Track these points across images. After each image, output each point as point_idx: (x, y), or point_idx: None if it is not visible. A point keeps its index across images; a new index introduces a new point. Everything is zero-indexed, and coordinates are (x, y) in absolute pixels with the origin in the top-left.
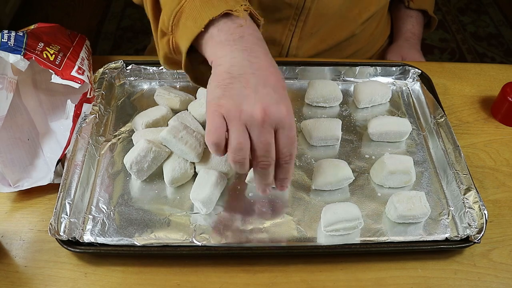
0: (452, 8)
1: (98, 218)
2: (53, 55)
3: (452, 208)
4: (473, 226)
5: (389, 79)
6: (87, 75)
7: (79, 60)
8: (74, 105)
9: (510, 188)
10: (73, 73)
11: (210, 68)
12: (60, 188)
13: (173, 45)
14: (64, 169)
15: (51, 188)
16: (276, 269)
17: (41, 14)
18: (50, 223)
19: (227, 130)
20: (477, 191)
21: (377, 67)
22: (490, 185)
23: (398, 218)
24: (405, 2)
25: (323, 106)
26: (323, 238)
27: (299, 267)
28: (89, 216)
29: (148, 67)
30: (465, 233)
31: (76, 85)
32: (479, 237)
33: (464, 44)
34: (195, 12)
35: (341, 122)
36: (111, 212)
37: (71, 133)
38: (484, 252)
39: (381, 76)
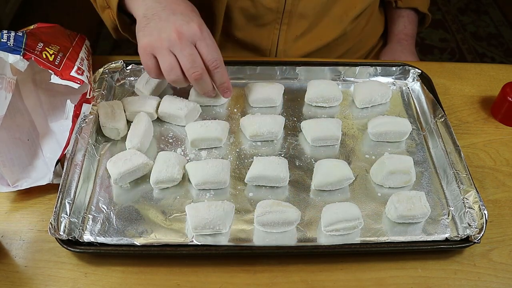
0: (452, 8)
1: (98, 218)
2: (53, 55)
3: (452, 208)
4: (473, 226)
5: (389, 79)
6: (87, 76)
7: (79, 60)
8: (73, 105)
9: (510, 188)
10: (73, 73)
11: None
12: (60, 188)
13: (112, 16)
14: (64, 169)
15: (51, 188)
16: (276, 269)
17: (41, 14)
18: (50, 223)
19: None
20: (477, 191)
21: (377, 67)
22: (490, 185)
23: (398, 218)
24: (392, 3)
25: (323, 106)
26: (323, 238)
27: (299, 267)
28: (89, 215)
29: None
30: (465, 233)
31: (76, 86)
32: (479, 237)
33: (464, 44)
34: None
35: (341, 122)
36: (111, 212)
37: (71, 133)
38: (484, 252)
39: (381, 76)
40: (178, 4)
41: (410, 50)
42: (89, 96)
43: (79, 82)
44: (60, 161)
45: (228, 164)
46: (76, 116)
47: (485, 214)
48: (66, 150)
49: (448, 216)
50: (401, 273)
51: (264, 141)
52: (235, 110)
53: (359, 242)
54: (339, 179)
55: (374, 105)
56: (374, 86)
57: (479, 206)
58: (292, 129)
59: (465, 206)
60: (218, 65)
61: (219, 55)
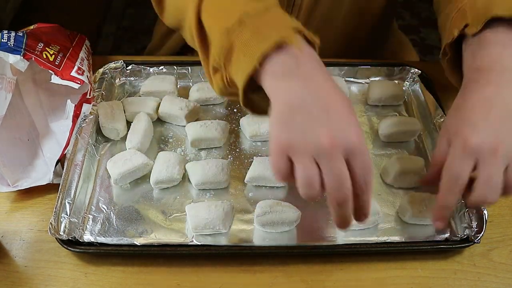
0: None
1: (98, 218)
2: (53, 56)
3: None
4: (473, 226)
5: (389, 79)
6: (87, 76)
7: (79, 60)
8: (74, 105)
9: None
10: (73, 73)
11: (266, 96)
12: (60, 188)
13: (227, 80)
14: (64, 169)
15: (51, 188)
16: (276, 269)
17: (41, 14)
18: (50, 223)
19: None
20: None
21: (378, 67)
22: None
23: (410, 219)
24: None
25: None
26: (342, 233)
27: (299, 267)
28: (89, 215)
29: (148, 67)
30: (465, 233)
31: (76, 86)
32: (479, 237)
33: None
34: (247, 47)
35: None
36: (111, 212)
37: (71, 133)
38: (484, 252)
39: (381, 76)
40: (334, 99)
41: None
42: (89, 96)
43: (79, 82)
44: (60, 161)
45: (228, 164)
46: (76, 116)
47: (485, 214)
48: (66, 150)
49: None
50: (401, 273)
51: (264, 141)
52: (235, 110)
53: (360, 242)
54: None
55: (386, 105)
56: (388, 85)
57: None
58: None
59: (465, 206)
60: (366, 190)
61: (371, 177)
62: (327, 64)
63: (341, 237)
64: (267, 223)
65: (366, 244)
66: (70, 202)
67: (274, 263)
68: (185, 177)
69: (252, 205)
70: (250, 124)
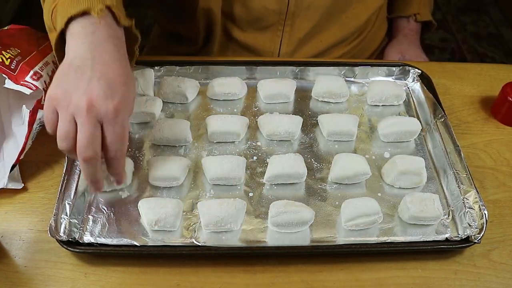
0: (452, 8)
1: (98, 219)
2: (9, 60)
3: (452, 208)
4: (473, 226)
5: (389, 79)
6: (44, 81)
7: (40, 64)
8: (29, 110)
9: (510, 188)
10: (27, 78)
11: None
12: (60, 188)
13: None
14: (64, 169)
15: (51, 188)
16: (276, 269)
17: (41, 13)
18: (50, 224)
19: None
20: (477, 191)
21: (378, 67)
22: (490, 185)
23: (410, 219)
24: (410, 18)
25: (329, 102)
26: (343, 233)
27: (299, 267)
28: (89, 216)
29: (146, 67)
30: (465, 233)
31: (28, 91)
32: (479, 237)
33: (464, 44)
34: (63, 10)
35: (358, 118)
36: (111, 213)
37: (26, 138)
38: (484, 252)
39: (381, 76)
40: (111, 68)
41: (416, 44)
42: (43, 102)
43: (32, 88)
44: (16, 166)
45: (244, 161)
46: (31, 122)
47: (485, 214)
48: (22, 156)
49: (448, 216)
50: (401, 273)
51: (280, 140)
52: (252, 106)
53: (361, 242)
54: (356, 173)
55: (386, 105)
56: (388, 86)
57: (479, 206)
58: (304, 125)
59: (465, 206)
60: (117, 157)
61: (123, 145)
62: (328, 64)
63: (341, 237)
64: (281, 223)
65: (366, 244)
66: (70, 202)
67: (274, 263)
68: (185, 177)
69: (252, 204)
70: (267, 123)
